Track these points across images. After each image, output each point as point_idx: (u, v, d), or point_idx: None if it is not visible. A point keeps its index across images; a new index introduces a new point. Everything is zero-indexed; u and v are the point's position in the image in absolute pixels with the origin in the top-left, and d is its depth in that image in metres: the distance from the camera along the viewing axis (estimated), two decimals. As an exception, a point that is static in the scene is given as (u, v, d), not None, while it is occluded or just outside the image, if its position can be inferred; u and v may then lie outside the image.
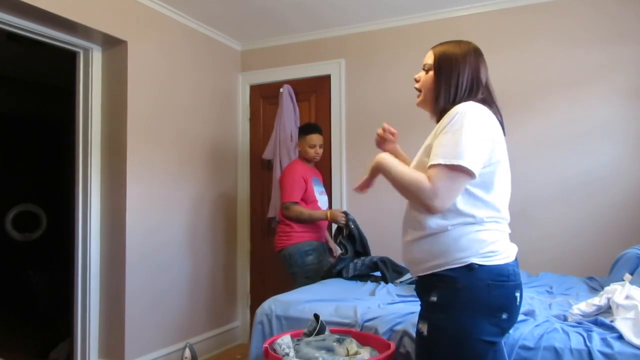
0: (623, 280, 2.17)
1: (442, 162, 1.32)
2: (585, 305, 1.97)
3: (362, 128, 3.73)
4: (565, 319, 1.96)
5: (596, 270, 2.95)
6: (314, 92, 3.96)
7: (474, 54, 1.53)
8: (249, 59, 4.20)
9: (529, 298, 2.28)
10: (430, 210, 1.36)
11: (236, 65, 4.19)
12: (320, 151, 3.31)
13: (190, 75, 3.66)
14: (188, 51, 3.64)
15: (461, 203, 1.38)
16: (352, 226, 3.13)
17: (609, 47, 3.07)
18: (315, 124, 3.43)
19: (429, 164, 1.37)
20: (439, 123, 1.45)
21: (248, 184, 4.19)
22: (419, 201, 1.38)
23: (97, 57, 3.20)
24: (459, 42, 1.56)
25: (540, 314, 1.99)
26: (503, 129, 1.50)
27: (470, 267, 1.34)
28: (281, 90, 3.90)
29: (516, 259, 1.45)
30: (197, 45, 3.73)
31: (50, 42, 2.98)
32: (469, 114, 1.36)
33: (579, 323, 1.86)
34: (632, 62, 3.02)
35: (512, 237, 1.55)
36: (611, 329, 1.75)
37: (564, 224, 3.12)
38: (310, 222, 3.17)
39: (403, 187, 1.41)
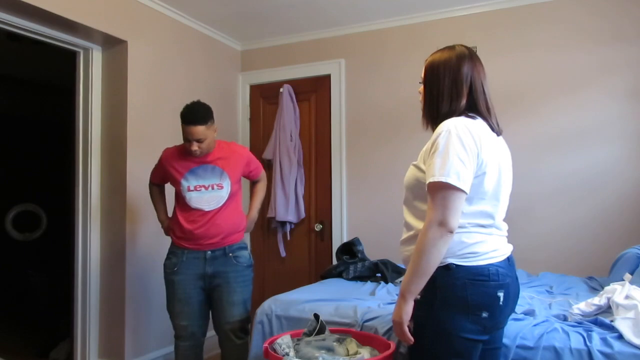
0: (623, 280, 2.17)
1: (432, 180, 1.34)
2: (585, 305, 1.97)
3: (362, 128, 3.73)
4: (565, 318, 1.96)
5: (596, 270, 2.95)
6: (314, 92, 3.95)
7: (459, 60, 1.49)
8: (249, 59, 4.20)
9: (529, 298, 2.29)
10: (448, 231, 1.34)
11: (236, 65, 4.19)
12: (199, 147, 2.42)
13: (190, 75, 3.66)
14: (188, 51, 3.64)
15: None
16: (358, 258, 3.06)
17: (606, 48, 3.07)
18: (190, 111, 2.44)
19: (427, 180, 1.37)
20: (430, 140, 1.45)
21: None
22: (436, 236, 1.34)
23: (97, 57, 3.20)
24: (448, 49, 1.54)
25: (540, 314, 1.99)
26: (498, 132, 1.51)
27: (448, 267, 1.39)
28: (281, 90, 3.91)
29: (509, 260, 1.47)
30: (197, 45, 3.73)
31: (50, 42, 2.98)
32: (452, 133, 1.36)
33: (579, 323, 1.86)
34: (629, 63, 3.02)
35: (513, 237, 1.56)
36: (611, 328, 1.75)
37: (564, 224, 3.12)
38: None
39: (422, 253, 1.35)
